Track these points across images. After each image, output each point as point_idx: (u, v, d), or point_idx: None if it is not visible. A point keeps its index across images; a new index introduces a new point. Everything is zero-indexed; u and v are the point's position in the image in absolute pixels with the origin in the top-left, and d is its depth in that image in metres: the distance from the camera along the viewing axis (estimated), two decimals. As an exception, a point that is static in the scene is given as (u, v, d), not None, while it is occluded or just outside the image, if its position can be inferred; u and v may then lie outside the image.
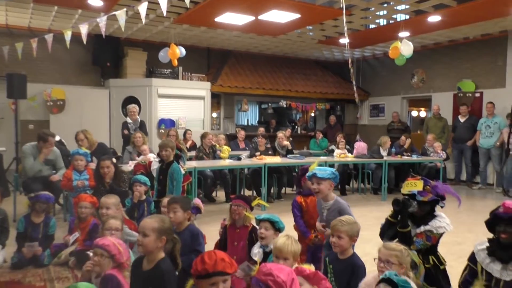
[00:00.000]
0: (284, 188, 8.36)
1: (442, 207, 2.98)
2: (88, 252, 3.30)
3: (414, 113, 13.73)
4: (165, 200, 4.09)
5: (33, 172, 5.55)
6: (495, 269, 2.63)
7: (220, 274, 1.96)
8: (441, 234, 2.94)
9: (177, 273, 2.58)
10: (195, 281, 2.01)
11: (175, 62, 8.14)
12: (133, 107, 7.52)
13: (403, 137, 9.19)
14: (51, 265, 4.13)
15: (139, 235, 2.48)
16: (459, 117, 9.55)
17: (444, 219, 2.92)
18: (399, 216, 2.91)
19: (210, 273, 1.94)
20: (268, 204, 4.03)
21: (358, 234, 2.80)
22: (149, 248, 2.44)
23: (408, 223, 2.93)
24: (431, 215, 2.93)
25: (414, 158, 8.52)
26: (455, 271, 3.19)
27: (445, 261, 3.05)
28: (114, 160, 5.08)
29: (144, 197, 4.65)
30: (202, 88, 10.25)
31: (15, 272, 3.94)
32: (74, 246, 4.19)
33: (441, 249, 3.11)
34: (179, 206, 3.15)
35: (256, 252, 3.06)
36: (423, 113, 13.59)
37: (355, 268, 2.68)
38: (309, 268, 2.40)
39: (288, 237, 2.63)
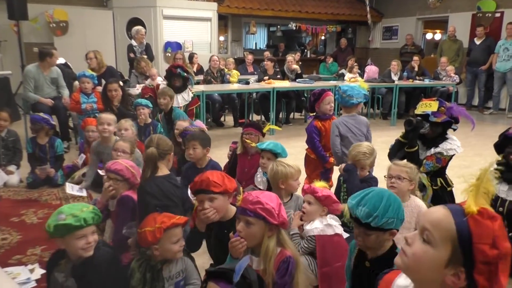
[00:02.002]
0: (292, 113, 8.32)
1: (454, 130, 2.95)
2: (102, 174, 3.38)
3: (429, 36, 13.18)
4: (179, 123, 4.08)
5: (30, 101, 5.53)
6: (502, 189, 2.67)
7: (204, 191, 2.03)
8: (451, 157, 2.94)
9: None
10: None
11: (180, -20, 7.74)
12: (143, 29, 7.31)
13: (415, 57, 8.86)
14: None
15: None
16: (475, 39, 9.15)
17: (455, 142, 2.90)
18: (409, 136, 2.90)
19: (195, 191, 2.06)
20: (279, 128, 3.97)
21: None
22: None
23: (416, 143, 2.92)
24: (442, 138, 2.91)
25: (426, 82, 8.32)
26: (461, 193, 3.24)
27: (452, 183, 3.08)
28: (121, 83, 5.01)
29: (149, 120, 4.66)
30: (208, 9, 9.84)
31: (32, 191, 4.09)
32: (86, 167, 4.28)
33: (449, 172, 3.13)
34: (198, 143, 3.11)
35: (260, 180, 3.06)
36: (438, 36, 13.02)
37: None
38: (325, 187, 2.40)
39: (276, 164, 2.57)
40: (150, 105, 4.71)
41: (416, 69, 8.69)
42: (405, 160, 2.54)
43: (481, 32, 8.97)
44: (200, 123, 3.96)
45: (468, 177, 1.03)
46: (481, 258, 0.92)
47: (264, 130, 3.54)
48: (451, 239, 0.95)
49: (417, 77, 8.47)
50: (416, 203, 2.45)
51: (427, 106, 2.85)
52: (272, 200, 1.78)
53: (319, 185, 2.39)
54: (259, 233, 1.75)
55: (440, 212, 1.00)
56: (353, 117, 3.43)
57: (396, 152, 2.94)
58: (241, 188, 2.80)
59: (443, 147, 2.87)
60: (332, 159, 3.57)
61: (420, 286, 1.04)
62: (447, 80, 8.47)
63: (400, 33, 11.66)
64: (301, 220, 2.35)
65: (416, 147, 2.89)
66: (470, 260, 0.93)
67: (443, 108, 2.81)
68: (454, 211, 0.98)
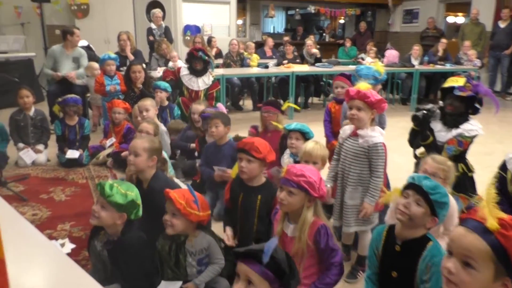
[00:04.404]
0: (311, 98, 8.31)
1: (477, 110, 2.92)
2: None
3: (450, 19, 12.86)
4: (195, 106, 4.16)
5: (47, 77, 5.73)
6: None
7: (245, 152, 2.31)
8: (472, 139, 2.93)
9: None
10: None
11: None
12: (158, 12, 7.33)
13: (443, 40, 8.66)
14: (90, 165, 4.40)
15: (130, 155, 2.48)
16: (499, 22, 8.89)
17: (476, 123, 2.90)
18: (420, 128, 2.90)
19: (239, 148, 2.37)
20: (299, 107, 4.01)
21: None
22: (141, 166, 2.46)
23: (428, 135, 2.92)
24: (464, 118, 2.90)
25: (447, 67, 8.18)
26: (481, 179, 3.23)
27: (473, 169, 3.08)
28: (144, 65, 5.09)
29: (166, 102, 4.74)
30: (227, -8, 9.82)
31: (59, 170, 4.23)
32: (111, 148, 4.40)
33: (470, 158, 3.13)
34: (220, 121, 3.30)
35: (287, 161, 3.12)
36: (460, 19, 12.70)
37: None
38: (369, 87, 2.35)
39: (316, 142, 2.71)
40: (169, 89, 4.79)
41: (440, 53, 8.51)
42: (443, 158, 2.44)
43: (506, 14, 8.70)
44: (221, 106, 4.03)
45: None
46: None
47: (283, 108, 3.60)
48: (490, 259, 1.07)
49: (439, 62, 8.33)
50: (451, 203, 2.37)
51: (454, 81, 2.86)
52: (315, 174, 1.92)
53: (363, 87, 2.29)
54: (300, 203, 1.92)
55: (470, 237, 1.10)
56: None
57: (414, 139, 2.95)
58: None
59: (464, 127, 2.87)
60: (335, 142, 3.56)
61: None
62: (469, 64, 8.31)
63: (421, 16, 11.44)
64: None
65: (430, 139, 2.89)
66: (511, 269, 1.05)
67: (469, 84, 2.80)
68: (480, 232, 1.08)
